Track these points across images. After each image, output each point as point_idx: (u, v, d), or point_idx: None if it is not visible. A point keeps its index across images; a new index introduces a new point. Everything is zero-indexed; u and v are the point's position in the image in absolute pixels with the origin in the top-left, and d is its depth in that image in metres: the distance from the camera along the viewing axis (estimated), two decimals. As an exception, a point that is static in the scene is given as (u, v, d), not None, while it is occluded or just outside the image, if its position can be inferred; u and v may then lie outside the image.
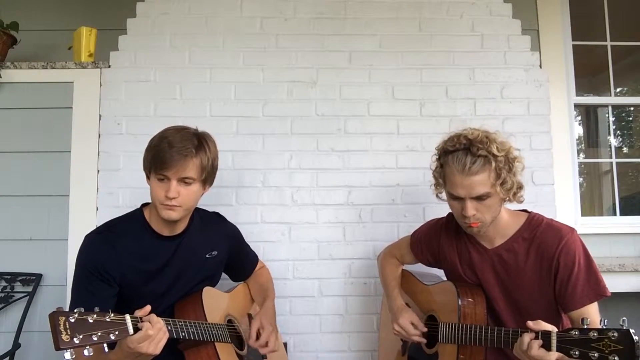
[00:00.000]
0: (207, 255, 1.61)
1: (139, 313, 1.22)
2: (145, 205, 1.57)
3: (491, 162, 1.38)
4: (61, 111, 2.24)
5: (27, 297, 2.12)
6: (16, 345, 2.06)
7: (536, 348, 1.15)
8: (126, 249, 1.44)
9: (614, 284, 2.16)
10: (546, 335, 1.15)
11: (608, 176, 3.16)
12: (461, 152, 1.41)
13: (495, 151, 1.38)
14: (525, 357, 1.19)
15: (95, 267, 1.39)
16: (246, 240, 1.88)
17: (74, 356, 1.03)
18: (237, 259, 1.79)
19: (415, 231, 1.83)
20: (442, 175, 1.49)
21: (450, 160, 1.43)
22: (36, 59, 2.37)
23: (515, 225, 1.51)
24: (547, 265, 1.43)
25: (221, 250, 1.66)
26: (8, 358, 2.02)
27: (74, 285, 1.41)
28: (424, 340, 1.58)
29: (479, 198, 1.40)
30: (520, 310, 1.49)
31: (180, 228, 1.54)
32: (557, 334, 1.13)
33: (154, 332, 1.19)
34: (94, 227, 1.56)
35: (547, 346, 1.15)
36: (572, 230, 1.45)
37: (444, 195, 1.55)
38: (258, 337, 1.59)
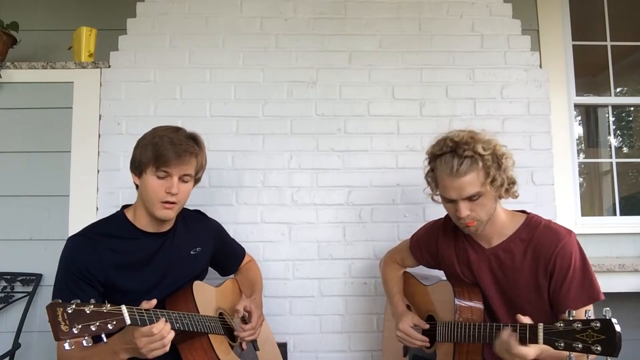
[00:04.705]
0: (191, 252, 1.63)
1: (145, 305, 1.24)
2: (125, 207, 1.58)
3: (478, 162, 1.40)
4: (61, 111, 2.24)
5: (27, 297, 2.12)
6: (16, 345, 2.05)
7: (515, 342, 1.21)
8: (108, 247, 1.45)
9: (613, 284, 2.18)
10: (533, 327, 1.18)
11: (608, 176, 3.16)
12: (448, 154, 1.43)
13: (481, 150, 1.40)
14: (507, 353, 1.23)
15: (78, 269, 1.40)
16: (246, 240, 1.89)
17: (72, 347, 1.04)
18: (223, 254, 1.81)
19: (414, 234, 1.83)
20: (434, 179, 1.53)
21: (439, 163, 1.46)
22: (36, 59, 2.38)
23: (513, 226, 1.51)
24: (544, 266, 1.44)
25: (205, 246, 1.68)
26: (8, 358, 2.02)
27: (57, 286, 1.41)
28: (426, 345, 1.58)
29: (471, 198, 1.42)
30: (516, 309, 1.49)
31: (166, 226, 1.56)
32: (543, 327, 1.16)
33: (157, 331, 1.21)
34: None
35: (534, 338, 1.17)
36: (570, 232, 1.45)
37: (439, 197, 1.57)
38: (245, 322, 1.63)
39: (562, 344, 1.11)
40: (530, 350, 1.21)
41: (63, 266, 1.42)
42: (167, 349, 1.25)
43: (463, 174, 1.40)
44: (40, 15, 2.51)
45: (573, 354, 1.09)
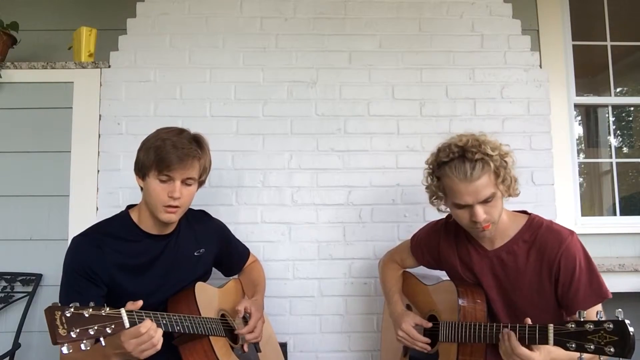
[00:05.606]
0: (195, 254, 1.63)
1: (129, 306, 1.22)
2: (130, 207, 1.58)
3: (489, 163, 1.39)
4: (61, 111, 2.24)
5: (27, 297, 2.12)
6: (16, 345, 2.05)
7: (514, 340, 1.23)
8: (112, 248, 1.45)
9: (614, 284, 2.16)
10: (543, 328, 1.17)
11: (608, 176, 3.16)
12: (457, 160, 1.41)
13: (490, 152, 1.39)
14: (509, 355, 1.24)
15: (82, 268, 1.39)
16: (246, 240, 1.88)
17: (70, 350, 1.03)
18: (227, 255, 1.80)
19: (415, 234, 1.83)
20: (442, 188, 1.49)
21: (448, 171, 1.42)
22: (36, 59, 2.37)
23: (515, 227, 1.51)
24: (548, 268, 1.44)
25: (209, 247, 1.68)
26: (8, 358, 2.02)
27: (62, 287, 1.42)
28: (428, 348, 1.57)
29: (486, 200, 1.40)
30: (517, 312, 1.49)
31: (170, 228, 1.56)
32: (554, 327, 1.15)
33: (145, 330, 1.19)
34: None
35: (544, 339, 1.16)
36: (572, 233, 1.46)
37: (444, 206, 1.56)
38: (247, 322, 1.61)
39: (573, 345, 1.10)
40: (535, 354, 1.21)
41: (68, 266, 1.42)
42: (159, 347, 1.23)
43: (477, 178, 1.38)
44: (40, 15, 2.51)
45: (584, 355, 1.08)
